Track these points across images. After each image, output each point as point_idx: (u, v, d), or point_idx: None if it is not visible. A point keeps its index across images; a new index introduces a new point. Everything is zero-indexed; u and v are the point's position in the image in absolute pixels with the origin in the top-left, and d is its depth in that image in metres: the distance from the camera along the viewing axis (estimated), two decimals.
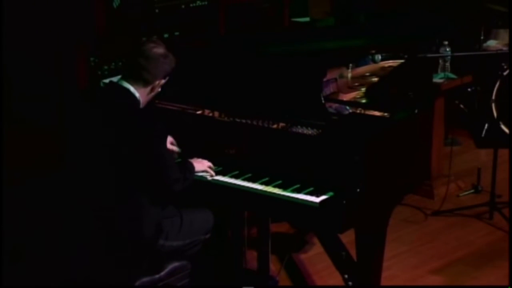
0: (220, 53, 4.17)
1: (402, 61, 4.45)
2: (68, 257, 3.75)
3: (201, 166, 3.74)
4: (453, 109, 6.26)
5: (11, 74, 4.81)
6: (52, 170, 4.58)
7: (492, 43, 6.39)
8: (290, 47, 4.53)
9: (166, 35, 5.18)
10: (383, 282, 4.01)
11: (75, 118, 3.85)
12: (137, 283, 3.52)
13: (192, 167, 3.68)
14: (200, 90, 4.04)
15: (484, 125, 6.43)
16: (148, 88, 3.57)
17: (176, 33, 5.26)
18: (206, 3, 5.42)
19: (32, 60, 4.85)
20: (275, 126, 3.85)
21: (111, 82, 3.68)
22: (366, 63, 4.46)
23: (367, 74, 4.42)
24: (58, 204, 4.42)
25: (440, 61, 5.46)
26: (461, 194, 5.66)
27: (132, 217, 3.50)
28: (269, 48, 4.50)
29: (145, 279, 3.54)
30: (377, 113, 3.97)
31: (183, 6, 5.32)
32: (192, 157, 3.76)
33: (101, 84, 4.71)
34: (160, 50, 3.57)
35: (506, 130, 6.27)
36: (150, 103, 3.66)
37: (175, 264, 3.65)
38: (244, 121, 3.90)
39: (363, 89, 4.35)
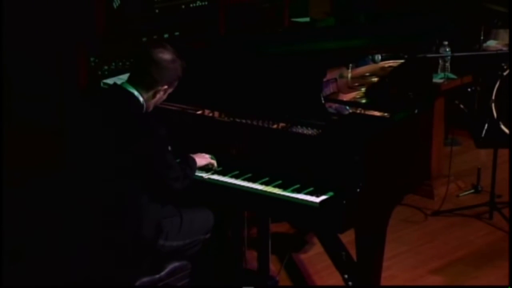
0: (220, 53, 4.17)
1: (402, 61, 4.45)
2: (68, 257, 3.74)
3: (204, 160, 3.75)
4: (453, 109, 6.25)
5: (11, 74, 4.81)
6: (52, 170, 4.57)
7: (492, 43, 6.39)
8: (290, 47, 4.53)
9: (166, 35, 5.18)
10: (383, 282, 4.01)
11: (76, 118, 3.84)
12: (137, 283, 3.51)
13: (194, 162, 3.68)
14: (200, 90, 4.03)
15: (484, 125, 6.42)
16: (151, 93, 3.55)
17: (176, 33, 5.25)
18: (206, 3, 5.41)
19: (33, 60, 4.85)
20: (275, 126, 3.85)
21: (115, 84, 3.65)
22: (366, 63, 4.46)
23: (367, 74, 4.42)
24: (58, 204, 4.41)
25: (440, 61, 5.45)
26: (461, 194, 5.66)
27: (132, 217, 3.50)
28: (269, 48, 4.50)
29: (145, 279, 3.54)
30: (377, 113, 3.97)
31: (183, 6, 5.32)
32: None
33: (101, 84, 4.70)
34: (166, 55, 3.53)
35: (506, 130, 6.26)
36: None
37: (175, 264, 3.64)
38: (244, 121, 3.90)
39: (363, 89, 4.35)
